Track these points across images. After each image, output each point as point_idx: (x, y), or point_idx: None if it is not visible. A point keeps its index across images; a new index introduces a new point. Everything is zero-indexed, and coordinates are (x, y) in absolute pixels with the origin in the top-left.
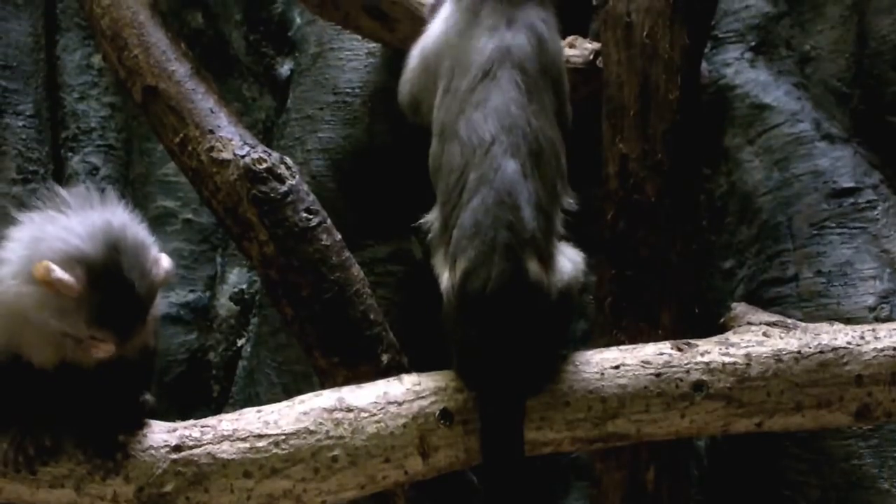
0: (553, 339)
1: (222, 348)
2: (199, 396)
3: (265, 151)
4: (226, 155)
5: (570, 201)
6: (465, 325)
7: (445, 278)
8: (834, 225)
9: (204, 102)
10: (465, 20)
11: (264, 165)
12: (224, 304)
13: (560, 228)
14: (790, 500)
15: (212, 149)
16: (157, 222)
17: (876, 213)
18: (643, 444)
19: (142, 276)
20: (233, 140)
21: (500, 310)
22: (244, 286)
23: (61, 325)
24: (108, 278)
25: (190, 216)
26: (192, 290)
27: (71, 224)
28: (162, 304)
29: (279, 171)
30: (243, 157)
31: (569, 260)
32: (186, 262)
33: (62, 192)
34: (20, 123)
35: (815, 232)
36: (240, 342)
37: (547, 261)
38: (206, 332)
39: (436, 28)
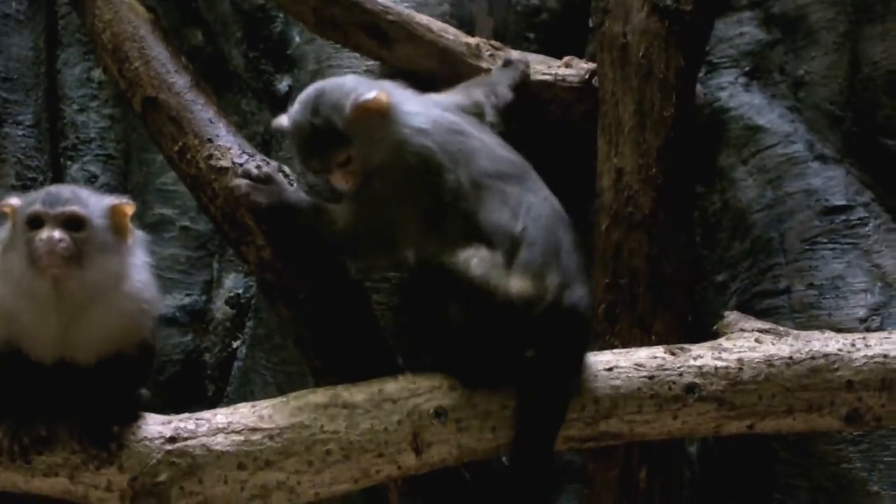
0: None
1: (217, 349)
2: (195, 395)
3: (263, 160)
4: (224, 163)
5: None
6: (544, 334)
7: (516, 287)
8: (826, 241)
9: (203, 113)
10: None
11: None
12: (220, 308)
13: None
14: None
15: (210, 157)
16: (155, 229)
17: (867, 229)
18: (635, 443)
19: None
20: (231, 148)
21: (583, 324)
22: (240, 290)
23: None
24: None
25: (187, 223)
26: (188, 294)
27: None
28: (159, 306)
29: (277, 179)
30: (242, 164)
31: None
32: (183, 267)
33: None
34: (20, 133)
35: (807, 247)
36: (235, 344)
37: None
38: (201, 334)
39: None
